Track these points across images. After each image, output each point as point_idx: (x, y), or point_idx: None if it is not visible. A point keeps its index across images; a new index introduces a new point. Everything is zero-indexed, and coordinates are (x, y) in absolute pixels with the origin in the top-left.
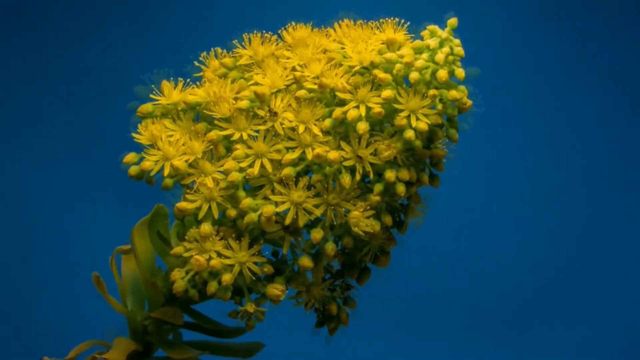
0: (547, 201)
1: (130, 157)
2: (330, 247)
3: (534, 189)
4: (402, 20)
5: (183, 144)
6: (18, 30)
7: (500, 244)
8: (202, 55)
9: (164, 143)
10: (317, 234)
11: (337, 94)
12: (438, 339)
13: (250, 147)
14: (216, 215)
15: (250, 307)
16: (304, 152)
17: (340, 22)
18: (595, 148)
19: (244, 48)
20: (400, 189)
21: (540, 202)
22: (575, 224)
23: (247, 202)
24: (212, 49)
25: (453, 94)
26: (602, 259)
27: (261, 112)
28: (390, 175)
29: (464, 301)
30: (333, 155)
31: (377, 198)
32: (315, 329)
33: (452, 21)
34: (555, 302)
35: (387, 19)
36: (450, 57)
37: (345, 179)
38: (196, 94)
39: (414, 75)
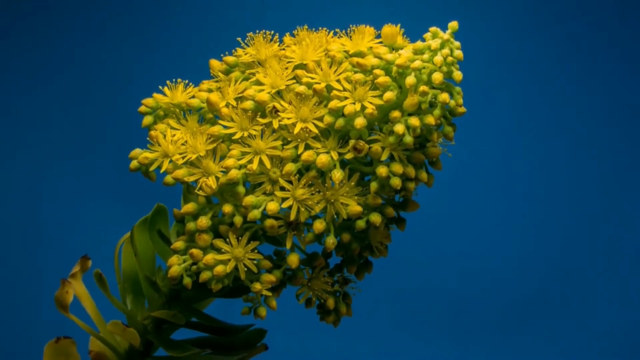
0: (544, 201)
1: (136, 152)
2: (331, 241)
3: (532, 188)
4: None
5: (183, 143)
6: (21, 31)
7: (498, 243)
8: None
9: (166, 141)
10: (319, 225)
11: (334, 92)
12: (436, 339)
13: (249, 145)
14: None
15: (258, 285)
16: (297, 147)
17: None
18: (593, 148)
19: (247, 46)
20: (396, 182)
21: (538, 203)
22: (573, 224)
23: (249, 199)
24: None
25: (444, 97)
26: (601, 258)
27: (269, 107)
28: (382, 170)
29: (462, 302)
30: (322, 159)
31: (378, 200)
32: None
33: (453, 24)
34: (553, 303)
35: (388, 24)
36: (450, 59)
37: (337, 174)
38: (199, 97)
39: (409, 80)
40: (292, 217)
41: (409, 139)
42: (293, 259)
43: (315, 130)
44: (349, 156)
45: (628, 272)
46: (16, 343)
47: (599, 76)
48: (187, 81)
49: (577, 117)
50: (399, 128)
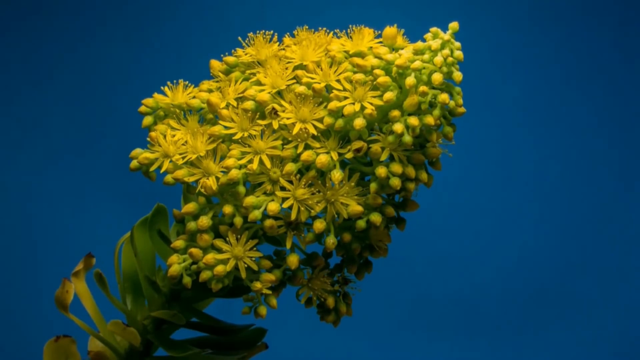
0: (545, 201)
1: (136, 152)
2: (331, 241)
3: (533, 189)
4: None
5: (184, 144)
6: (21, 30)
7: (498, 244)
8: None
9: (166, 141)
10: (320, 224)
11: (334, 92)
12: (436, 339)
13: (249, 145)
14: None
15: (258, 284)
16: (297, 147)
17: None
18: (593, 149)
19: (248, 46)
20: (395, 182)
21: (539, 204)
22: (574, 224)
23: (249, 200)
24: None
25: (444, 97)
26: (602, 258)
27: (269, 108)
28: (381, 171)
29: (462, 302)
30: (321, 159)
31: (379, 200)
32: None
33: (454, 24)
34: (554, 303)
35: (388, 25)
36: (450, 59)
37: (336, 175)
38: (199, 97)
39: (409, 80)
40: (293, 217)
41: (407, 138)
42: (293, 260)
43: (314, 131)
44: (349, 156)
45: (629, 273)
46: (16, 342)
47: (600, 75)
48: (187, 82)
49: (577, 117)
50: (398, 127)
